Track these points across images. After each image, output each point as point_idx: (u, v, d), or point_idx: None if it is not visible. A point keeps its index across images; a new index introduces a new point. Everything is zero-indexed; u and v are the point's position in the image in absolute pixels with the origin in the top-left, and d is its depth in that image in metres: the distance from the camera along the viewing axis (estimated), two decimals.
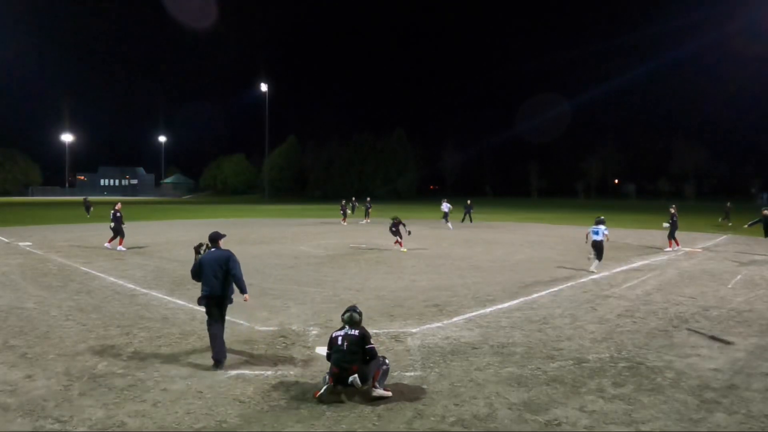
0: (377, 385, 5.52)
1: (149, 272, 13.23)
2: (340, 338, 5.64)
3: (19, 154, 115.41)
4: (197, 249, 7.02)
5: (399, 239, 18.43)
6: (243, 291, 6.81)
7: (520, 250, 18.92)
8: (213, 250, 7.00)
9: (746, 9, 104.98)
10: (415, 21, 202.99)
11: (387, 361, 5.79)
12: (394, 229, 18.50)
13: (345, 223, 31.29)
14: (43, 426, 4.79)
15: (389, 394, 5.52)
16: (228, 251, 6.95)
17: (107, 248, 17.80)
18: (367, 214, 33.80)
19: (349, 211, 33.41)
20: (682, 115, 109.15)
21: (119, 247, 17.78)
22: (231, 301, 6.88)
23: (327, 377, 5.53)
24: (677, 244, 19.01)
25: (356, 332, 5.65)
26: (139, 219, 36.96)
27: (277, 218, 38.39)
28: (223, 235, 7.17)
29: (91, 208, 36.30)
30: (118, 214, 17.93)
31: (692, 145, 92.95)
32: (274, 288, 11.32)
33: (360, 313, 5.83)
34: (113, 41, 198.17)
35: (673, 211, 19.30)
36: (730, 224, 19.63)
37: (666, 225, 19.76)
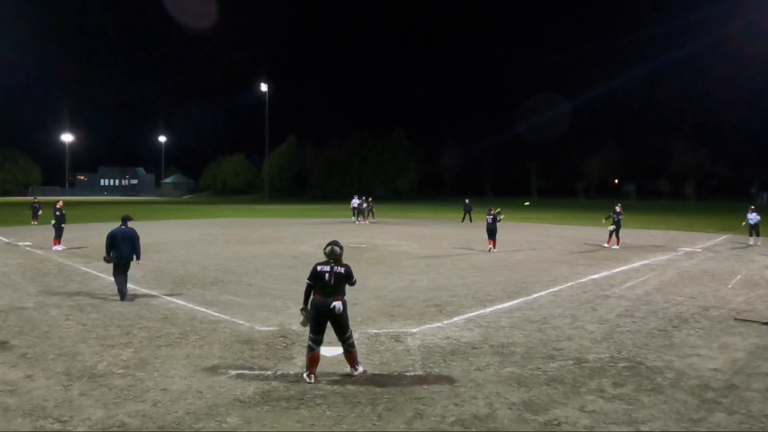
0: (357, 368, 6.11)
1: (149, 272, 13.23)
2: (327, 274, 5.96)
3: (19, 154, 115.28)
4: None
5: (494, 239, 17.90)
6: (138, 258, 10.17)
7: (520, 250, 18.94)
8: (123, 227, 10.10)
9: (746, 9, 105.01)
10: (414, 21, 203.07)
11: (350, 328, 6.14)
12: (495, 226, 17.80)
13: (371, 221, 32.89)
14: (43, 426, 4.79)
15: (364, 369, 6.18)
16: (133, 229, 10.20)
17: (57, 250, 17.11)
18: (367, 214, 33.80)
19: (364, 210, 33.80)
20: (682, 115, 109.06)
21: (54, 247, 17.38)
22: (132, 258, 10.10)
23: (307, 373, 5.92)
24: (616, 244, 19.29)
25: (342, 270, 6.00)
26: (139, 219, 36.93)
27: (277, 218, 38.38)
28: (131, 218, 10.45)
29: (40, 212, 27.59)
30: (58, 213, 17.71)
31: (692, 145, 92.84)
32: (274, 288, 11.32)
33: (341, 246, 6.12)
34: (113, 41, 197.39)
35: (618, 209, 19.71)
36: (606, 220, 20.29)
37: (605, 221, 20.33)
